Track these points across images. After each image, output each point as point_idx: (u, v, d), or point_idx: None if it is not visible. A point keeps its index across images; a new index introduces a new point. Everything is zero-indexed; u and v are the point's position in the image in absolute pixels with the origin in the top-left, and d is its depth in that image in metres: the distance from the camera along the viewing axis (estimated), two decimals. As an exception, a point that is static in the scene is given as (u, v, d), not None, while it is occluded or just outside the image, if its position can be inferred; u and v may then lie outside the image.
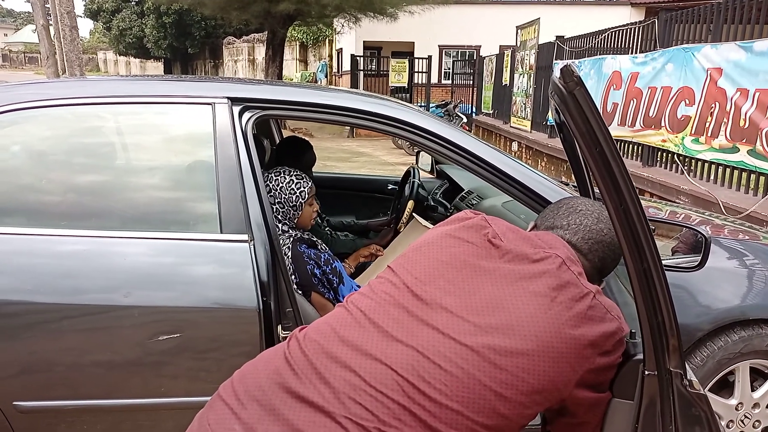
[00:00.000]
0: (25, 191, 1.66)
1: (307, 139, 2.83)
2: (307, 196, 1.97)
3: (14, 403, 1.53)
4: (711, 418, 1.11)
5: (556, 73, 0.94)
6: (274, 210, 1.92)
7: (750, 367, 1.90)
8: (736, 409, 1.93)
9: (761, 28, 4.48)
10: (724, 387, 1.93)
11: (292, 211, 1.96)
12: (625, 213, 0.99)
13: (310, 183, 2.00)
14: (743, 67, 4.44)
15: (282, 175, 1.97)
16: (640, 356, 1.11)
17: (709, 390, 1.88)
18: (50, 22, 12.24)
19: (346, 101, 1.76)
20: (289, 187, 1.95)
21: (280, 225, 1.94)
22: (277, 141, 3.16)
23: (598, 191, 1.10)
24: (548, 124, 8.30)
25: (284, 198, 1.93)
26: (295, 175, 1.99)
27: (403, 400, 0.98)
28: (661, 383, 1.08)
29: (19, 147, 1.71)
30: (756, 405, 1.94)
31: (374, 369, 1.01)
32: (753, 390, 1.94)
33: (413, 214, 2.64)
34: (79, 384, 1.56)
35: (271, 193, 1.93)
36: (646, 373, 1.09)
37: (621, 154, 5.56)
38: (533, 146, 8.72)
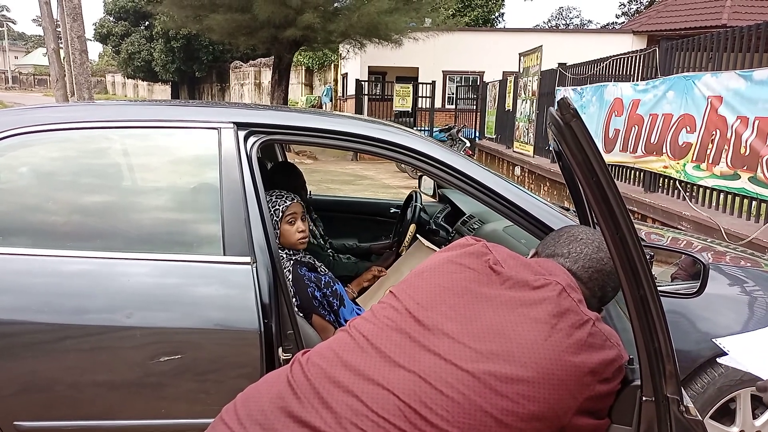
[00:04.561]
0: (32, 212, 1.68)
1: (309, 161, 2.87)
2: (281, 214, 1.96)
3: (15, 422, 1.53)
4: (708, 444, 1.11)
5: (554, 106, 0.97)
6: None
7: (751, 394, 1.89)
8: (738, 437, 1.91)
9: (761, 57, 4.53)
10: (726, 414, 1.92)
11: (277, 228, 1.94)
12: (621, 240, 1.00)
13: (287, 203, 1.98)
14: (743, 95, 4.48)
15: (267, 197, 1.95)
16: (638, 382, 1.11)
17: (710, 417, 1.87)
18: (61, 46, 12.46)
19: (349, 127, 1.79)
20: (274, 204, 1.96)
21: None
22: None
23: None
24: (551, 149, 8.35)
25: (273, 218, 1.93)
26: (275, 195, 1.99)
27: (405, 425, 0.99)
28: (659, 409, 1.09)
29: (28, 168, 1.74)
30: (758, 433, 1.93)
31: (376, 394, 1.01)
32: (754, 418, 1.93)
33: (417, 235, 2.65)
34: (80, 404, 1.57)
35: None
36: (644, 399, 1.10)
37: (623, 179, 5.56)
38: (536, 171, 8.76)
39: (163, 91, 35.88)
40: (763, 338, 1.26)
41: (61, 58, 12.52)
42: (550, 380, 1.03)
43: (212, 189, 1.66)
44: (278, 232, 1.95)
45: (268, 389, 1.08)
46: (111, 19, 29.36)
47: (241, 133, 1.69)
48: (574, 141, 0.93)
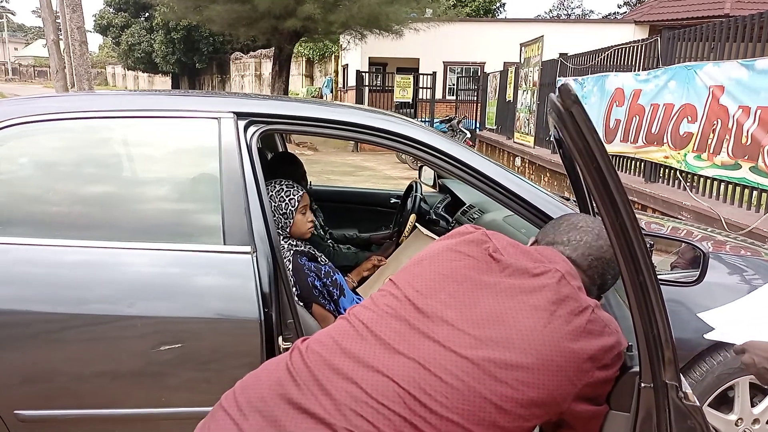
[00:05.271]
0: (33, 202, 1.68)
1: (310, 153, 2.88)
2: (297, 204, 2.00)
3: (15, 411, 1.54)
4: (706, 430, 1.12)
5: (554, 92, 0.96)
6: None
7: (750, 382, 1.89)
8: (736, 424, 1.92)
9: (762, 47, 4.51)
10: (724, 402, 1.93)
11: (283, 220, 1.99)
12: (621, 227, 1.00)
13: (300, 193, 2.03)
14: (745, 84, 4.47)
15: (273, 185, 2.02)
16: (637, 369, 1.12)
17: (708, 405, 1.88)
18: (60, 38, 12.42)
19: (350, 116, 1.78)
20: (279, 196, 2.00)
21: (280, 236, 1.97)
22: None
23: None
24: (551, 138, 8.33)
25: (275, 206, 1.97)
26: (285, 185, 2.03)
27: (404, 412, 0.99)
28: (657, 395, 1.09)
29: (28, 158, 1.74)
30: (756, 421, 1.94)
31: (376, 381, 1.02)
32: (753, 405, 1.94)
33: (417, 224, 2.66)
34: (81, 393, 1.58)
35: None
36: (643, 385, 1.10)
37: (624, 170, 5.54)
38: (536, 162, 8.75)
39: (163, 82, 35.79)
40: (745, 306, 1.27)
41: (61, 49, 12.48)
42: (549, 367, 1.04)
43: (212, 179, 1.65)
44: (292, 221, 2.00)
45: (267, 376, 1.08)
46: (111, 10, 29.25)
47: (241, 123, 1.69)
48: (574, 127, 0.93)
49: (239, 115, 1.70)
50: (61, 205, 1.70)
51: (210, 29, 18.02)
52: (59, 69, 12.33)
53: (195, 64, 28.00)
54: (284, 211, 1.99)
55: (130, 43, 28.11)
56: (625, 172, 6.44)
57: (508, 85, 11.13)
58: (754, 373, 1.08)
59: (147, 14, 27.72)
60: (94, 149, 1.76)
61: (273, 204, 1.97)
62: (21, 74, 52.96)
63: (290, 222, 2.00)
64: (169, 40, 26.29)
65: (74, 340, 1.56)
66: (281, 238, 1.98)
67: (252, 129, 1.69)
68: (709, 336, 1.19)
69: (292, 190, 2.02)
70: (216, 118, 1.69)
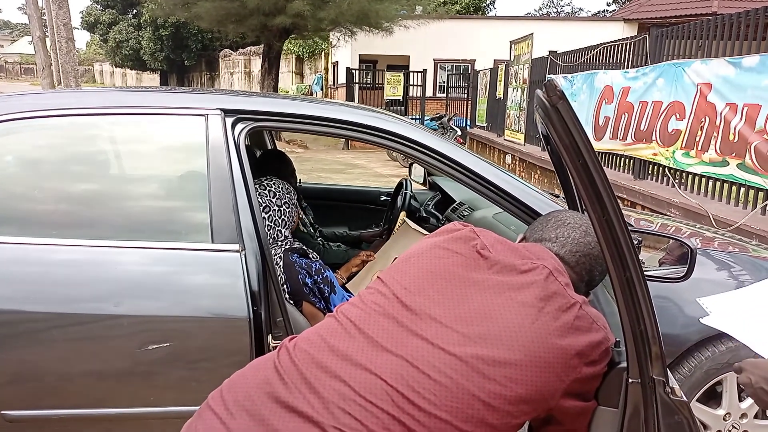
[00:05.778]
0: (19, 200, 1.67)
1: (300, 150, 2.89)
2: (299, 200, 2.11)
3: (3, 412, 1.53)
4: (693, 424, 1.13)
5: (540, 88, 0.96)
6: (281, 212, 2.02)
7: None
8: (724, 419, 1.94)
9: (749, 44, 4.54)
10: (712, 397, 1.94)
11: (295, 210, 2.08)
12: (607, 223, 1.01)
13: None
14: (732, 82, 4.50)
15: (275, 181, 2.09)
16: (624, 364, 1.12)
17: (696, 400, 1.89)
18: (47, 34, 12.30)
19: (339, 113, 1.78)
20: (286, 187, 2.09)
21: (283, 230, 2.02)
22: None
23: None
24: (540, 135, 8.35)
25: (288, 198, 2.06)
26: (280, 181, 2.12)
27: (393, 409, 0.99)
28: (645, 391, 1.10)
29: (13, 156, 1.72)
30: (744, 415, 1.95)
31: (364, 378, 1.01)
32: (740, 400, 1.96)
33: (405, 219, 2.66)
34: (69, 393, 1.56)
35: (277, 196, 2.04)
36: (630, 380, 1.11)
37: (613, 167, 5.56)
38: (527, 159, 8.77)
39: (151, 80, 35.53)
40: (745, 298, 1.27)
41: (47, 46, 12.35)
42: (536, 363, 1.04)
43: (200, 176, 1.64)
44: (298, 212, 2.14)
45: (254, 375, 1.08)
46: (98, 6, 29.00)
47: (229, 120, 1.67)
48: (560, 123, 0.93)
49: (227, 112, 1.69)
50: (48, 203, 1.68)
51: (198, 26, 17.93)
52: (46, 66, 12.21)
53: (184, 61, 27.82)
54: (294, 200, 2.08)
55: (117, 40, 27.85)
56: (614, 169, 6.47)
57: (498, 83, 11.15)
58: (751, 393, 1.06)
59: (135, 11, 27.50)
60: (81, 147, 1.75)
61: (286, 195, 2.05)
62: (7, 71, 52.37)
63: (298, 212, 2.11)
64: (157, 37, 26.10)
65: (62, 339, 1.55)
66: (288, 231, 2.05)
67: (240, 126, 1.68)
68: (704, 321, 1.20)
69: (293, 188, 2.13)
70: (203, 115, 1.68)
